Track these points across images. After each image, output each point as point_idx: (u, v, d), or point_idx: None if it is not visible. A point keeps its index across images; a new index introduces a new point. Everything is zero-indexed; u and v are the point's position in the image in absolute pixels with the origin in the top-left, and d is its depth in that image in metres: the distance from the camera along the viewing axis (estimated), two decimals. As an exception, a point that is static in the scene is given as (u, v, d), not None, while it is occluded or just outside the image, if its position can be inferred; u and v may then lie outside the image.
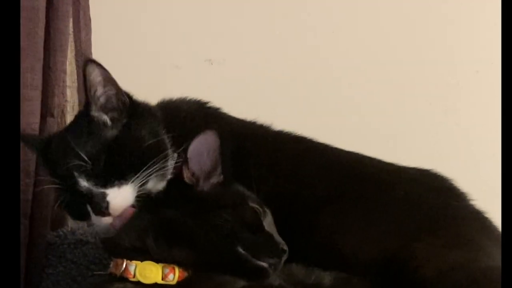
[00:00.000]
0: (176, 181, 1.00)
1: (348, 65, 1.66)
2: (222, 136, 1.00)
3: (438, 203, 1.08)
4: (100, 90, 1.06)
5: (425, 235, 1.02)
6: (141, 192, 1.02)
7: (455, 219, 1.06)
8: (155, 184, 1.04)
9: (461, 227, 1.05)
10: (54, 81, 1.39)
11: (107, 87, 1.06)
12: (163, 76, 1.67)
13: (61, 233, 1.31)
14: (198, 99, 1.20)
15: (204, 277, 0.91)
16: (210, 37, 1.67)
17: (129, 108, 1.08)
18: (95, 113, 1.05)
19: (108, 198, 1.00)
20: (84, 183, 1.01)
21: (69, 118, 1.43)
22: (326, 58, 1.67)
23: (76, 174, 1.01)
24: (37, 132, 1.33)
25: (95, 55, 1.55)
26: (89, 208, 1.02)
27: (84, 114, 1.07)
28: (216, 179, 1.01)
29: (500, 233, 1.06)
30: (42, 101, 1.36)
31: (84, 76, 1.04)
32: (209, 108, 1.20)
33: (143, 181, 1.01)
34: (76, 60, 1.48)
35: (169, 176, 1.05)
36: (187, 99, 1.20)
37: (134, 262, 0.91)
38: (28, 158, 1.27)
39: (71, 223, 1.35)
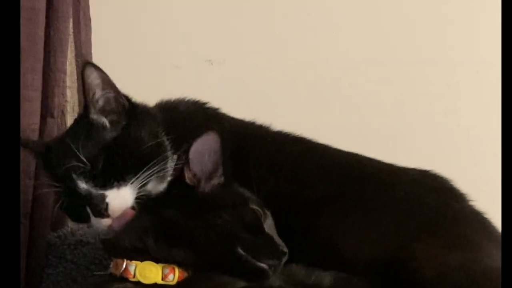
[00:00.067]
0: (177, 182, 1.00)
1: (348, 65, 1.66)
2: (222, 136, 1.00)
3: (438, 204, 1.08)
4: (98, 93, 1.06)
5: (425, 235, 1.02)
6: (140, 194, 1.02)
7: (455, 219, 1.06)
8: (155, 186, 1.04)
9: (461, 227, 1.05)
10: (54, 82, 1.39)
11: (106, 90, 1.06)
12: (163, 76, 1.66)
13: (61, 233, 1.31)
14: (197, 99, 1.20)
15: (204, 277, 0.91)
16: (210, 37, 1.67)
17: (128, 110, 1.08)
18: (94, 116, 1.05)
19: (107, 200, 1.00)
20: (83, 184, 1.01)
21: (69, 119, 1.43)
22: (326, 58, 1.67)
23: (74, 175, 1.01)
24: (37, 133, 1.33)
25: (95, 55, 1.55)
26: (89, 210, 1.02)
27: (83, 117, 1.07)
28: (217, 180, 1.00)
29: (500, 233, 1.06)
30: (42, 101, 1.36)
31: (83, 79, 1.04)
32: (208, 108, 1.20)
33: (143, 183, 1.02)
34: (76, 61, 1.48)
35: (169, 178, 1.05)
36: (186, 100, 1.20)
37: (134, 262, 0.91)
38: (28, 158, 1.27)
39: (71, 224, 1.34)
